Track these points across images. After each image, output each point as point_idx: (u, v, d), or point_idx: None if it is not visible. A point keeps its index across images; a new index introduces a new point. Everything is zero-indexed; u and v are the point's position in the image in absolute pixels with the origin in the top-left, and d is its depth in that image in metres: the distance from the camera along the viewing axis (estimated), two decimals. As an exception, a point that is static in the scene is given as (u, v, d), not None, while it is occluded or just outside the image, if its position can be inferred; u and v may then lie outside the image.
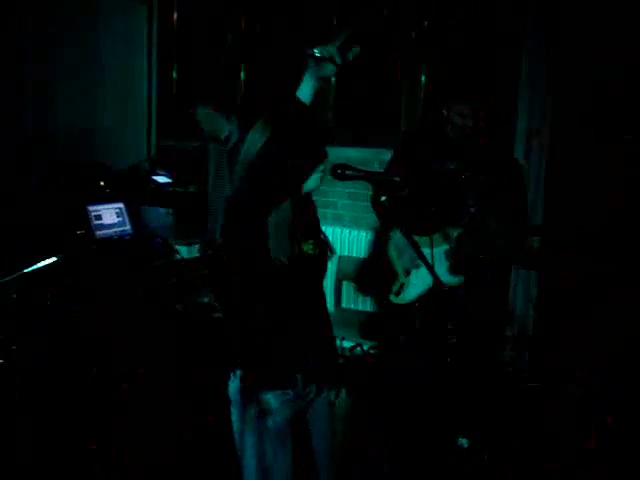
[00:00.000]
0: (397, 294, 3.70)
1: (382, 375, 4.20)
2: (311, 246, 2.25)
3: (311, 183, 2.21)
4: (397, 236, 3.68)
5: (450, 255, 3.59)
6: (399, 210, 2.18)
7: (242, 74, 5.58)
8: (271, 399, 2.24)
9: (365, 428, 3.86)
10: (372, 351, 4.51)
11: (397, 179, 2.23)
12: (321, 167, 2.19)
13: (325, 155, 2.21)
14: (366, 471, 3.52)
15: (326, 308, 2.42)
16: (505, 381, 4.13)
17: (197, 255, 4.25)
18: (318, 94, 2.21)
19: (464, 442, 3.68)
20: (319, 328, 2.34)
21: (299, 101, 2.16)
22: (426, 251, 3.58)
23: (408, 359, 3.76)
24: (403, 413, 3.76)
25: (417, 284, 3.64)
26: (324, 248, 2.34)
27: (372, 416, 3.92)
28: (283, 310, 2.23)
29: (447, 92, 3.66)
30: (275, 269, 2.14)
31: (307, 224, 2.28)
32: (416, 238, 3.65)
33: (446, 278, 3.55)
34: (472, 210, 3.57)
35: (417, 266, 3.61)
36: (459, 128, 3.59)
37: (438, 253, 3.58)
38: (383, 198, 2.17)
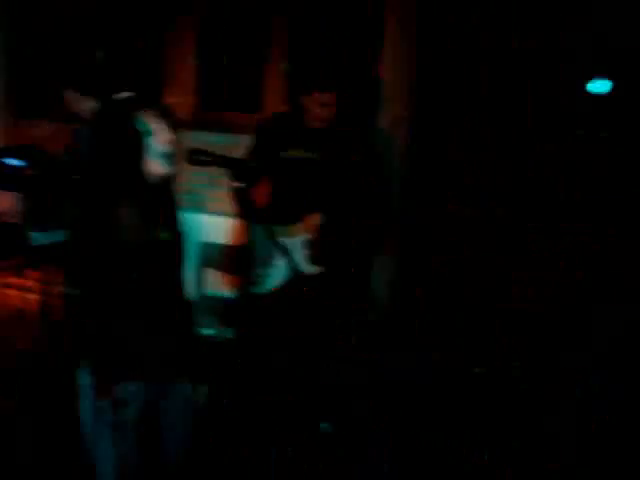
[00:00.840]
0: (257, 284, 3.68)
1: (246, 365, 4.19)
2: (165, 233, 2.21)
3: (156, 168, 2.15)
4: (253, 225, 3.65)
5: (308, 244, 3.61)
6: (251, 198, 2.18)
7: (102, 55, 5.39)
8: (119, 391, 2.18)
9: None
10: (234, 340, 4.48)
11: (253, 164, 2.22)
12: (163, 149, 2.13)
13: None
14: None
15: (182, 297, 2.39)
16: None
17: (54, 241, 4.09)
18: None
19: (326, 426, 3.73)
20: (170, 317, 2.30)
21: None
22: (285, 241, 3.62)
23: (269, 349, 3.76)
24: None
25: (276, 274, 3.63)
26: (178, 235, 2.30)
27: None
28: (131, 298, 2.17)
29: (306, 80, 3.64)
30: (123, 255, 2.09)
31: (162, 210, 2.23)
32: (275, 228, 3.68)
33: (304, 267, 3.57)
34: (330, 198, 3.56)
35: (274, 256, 3.60)
36: (316, 116, 3.56)
37: (296, 242, 3.59)
38: (236, 184, 2.16)
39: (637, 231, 4.01)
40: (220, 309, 4.58)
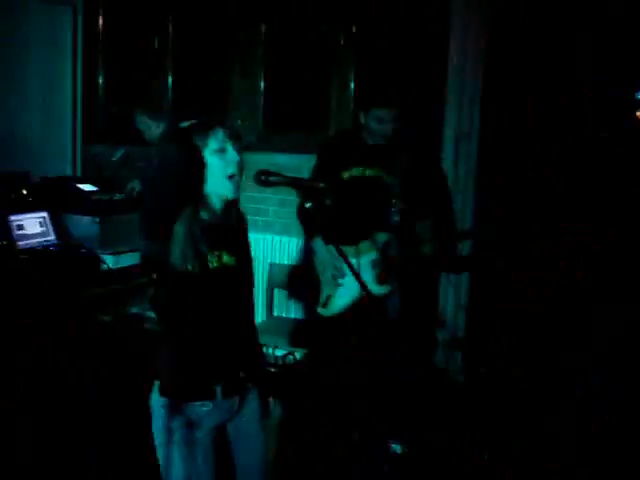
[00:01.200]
0: (324, 305, 3.66)
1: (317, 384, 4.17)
2: (228, 256, 2.21)
3: (222, 190, 2.16)
4: (320, 245, 3.63)
5: (376, 264, 3.56)
6: (324, 218, 2.17)
7: (169, 78, 5.50)
8: (191, 411, 2.19)
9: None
10: (305, 360, 4.47)
11: (322, 185, 2.20)
12: (229, 171, 2.14)
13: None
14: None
15: (251, 318, 2.39)
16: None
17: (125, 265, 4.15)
18: None
19: (397, 448, 3.68)
20: (240, 338, 2.29)
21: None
22: (352, 261, 3.58)
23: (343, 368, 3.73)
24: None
25: (343, 295, 3.60)
26: (243, 258, 2.29)
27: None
28: (201, 320, 2.18)
29: (366, 96, 3.64)
30: (187, 279, 2.10)
31: (226, 232, 2.23)
32: (342, 247, 3.65)
33: (372, 287, 3.52)
34: (395, 217, 3.54)
35: (342, 276, 3.57)
36: (375, 133, 3.56)
37: (364, 262, 3.55)
38: (308, 205, 2.14)
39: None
40: (289, 329, 4.58)
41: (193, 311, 2.17)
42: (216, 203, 2.18)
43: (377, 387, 3.63)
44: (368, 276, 3.53)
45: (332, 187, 3.58)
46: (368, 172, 3.62)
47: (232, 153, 2.14)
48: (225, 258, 2.19)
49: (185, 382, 2.21)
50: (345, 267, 3.59)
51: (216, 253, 2.16)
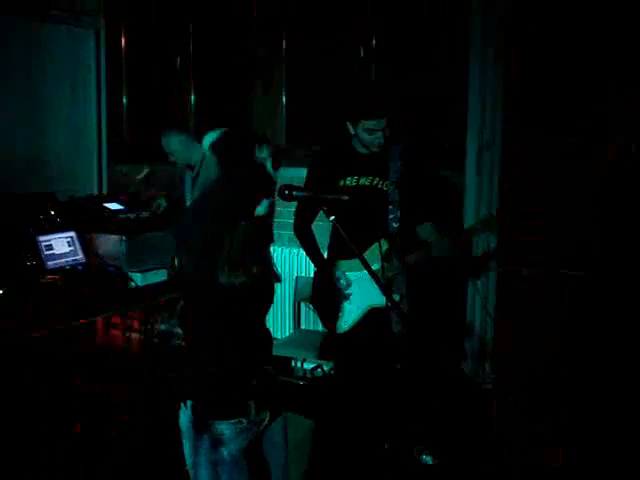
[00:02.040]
0: (333, 322, 3.62)
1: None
2: (257, 270, 2.22)
3: (261, 209, 2.17)
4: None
5: (380, 274, 3.50)
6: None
7: (192, 97, 5.56)
8: (224, 429, 2.19)
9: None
10: (333, 372, 4.48)
11: (346, 198, 2.21)
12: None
13: (270, 190, 2.17)
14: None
15: (269, 334, 2.40)
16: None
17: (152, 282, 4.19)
18: None
19: (428, 459, 3.66)
20: (264, 352, 2.30)
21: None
22: (356, 274, 3.55)
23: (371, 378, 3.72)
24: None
25: (351, 310, 3.56)
26: (267, 274, 2.30)
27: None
28: (232, 337, 2.19)
29: (354, 107, 3.59)
30: (222, 298, 2.11)
31: (255, 250, 2.25)
32: (345, 262, 3.62)
33: (379, 299, 3.40)
34: (394, 224, 3.52)
35: (349, 293, 3.54)
36: (367, 144, 3.51)
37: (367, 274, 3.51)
38: (332, 218, 2.15)
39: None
40: (317, 342, 4.58)
41: (226, 326, 2.18)
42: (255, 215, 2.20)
43: (406, 397, 3.61)
44: (373, 288, 3.50)
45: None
46: (362, 181, 3.59)
47: (271, 170, 2.18)
48: (255, 271, 2.21)
49: (220, 399, 2.20)
50: (351, 280, 3.58)
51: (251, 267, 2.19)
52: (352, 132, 3.55)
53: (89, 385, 3.62)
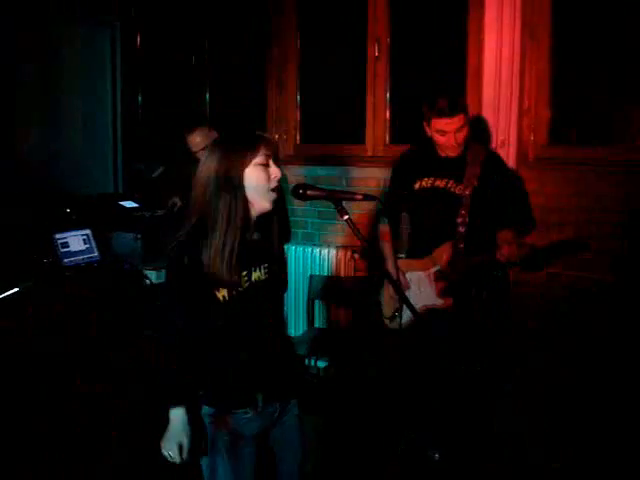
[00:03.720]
0: (392, 319, 3.63)
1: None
2: (262, 270, 2.24)
3: (264, 202, 2.18)
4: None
5: (439, 276, 3.53)
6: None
7: (207, 95, 5.57)
8: (232, 419, 2.23)
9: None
10: (344, 370, 4.49)
11: (361, 197, 2.21)
12: (273, 185, 2.17)
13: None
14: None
15: (284, 327, 2.42)
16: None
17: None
18: None
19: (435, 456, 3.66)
20: (275, 346, 2.32)
21: None
22: (418, 273, 3.56)
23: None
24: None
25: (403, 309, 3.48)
26: (276, 269, 2.32)
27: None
28: (236, 331, 2.22)
29: (426, 106, 3.44)
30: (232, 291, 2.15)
31: (259, 246, 2.26)
32: (410, 259, 3.63)
33: (434, 300, 3.49)
34: (460, 229, 3.46)
35: (405, 290, 3.52)
36: (440, 146, 3.46)
37: (429, 274, 3.52)
38: (346, 217, 2.15)
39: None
40: (330, 341, 4.59)
41: (224, 327, 2.21)
42: (252, 212, 2.20)
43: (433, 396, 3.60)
44: (430, 288, 3.53)
45: (403, 198, 3.60)
46: (438, 183, 3.54)
47: (273, 167, 2.18)
48: (255, 274, 2.23)
49: (227, 391, 2.24)
50: (410, 280, 3.58)
51: (249, 270, 2.21)
52: (429, 134, 3.46)
53: (89, 385, 3.64)
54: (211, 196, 2.14)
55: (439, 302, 3.50)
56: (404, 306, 3.47)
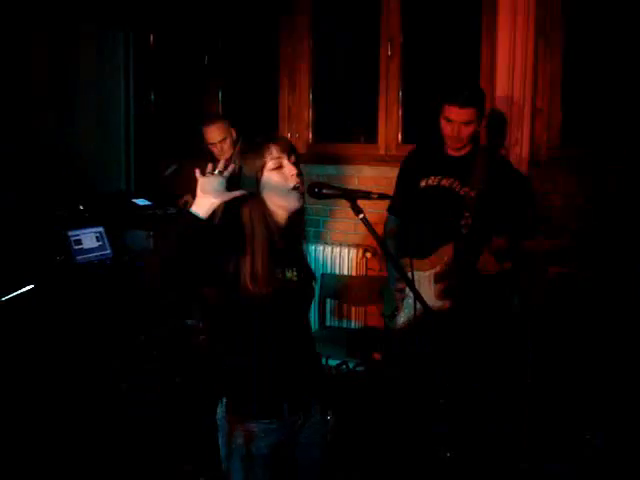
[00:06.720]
0: (391, 318, 3.62)
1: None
2: (293, 273, 2.24)
3: (286, 202, 2.17)
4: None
5: (438, 278, 3.51)
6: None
7: (220, 95, 5.59)
8: (255, 427, 2.19)
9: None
10: (358, 369, 4.48)
11: (375, 196, 2.20)
12: (291, 185, 2.17)
13: None
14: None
15: (310, 332, 2.40)
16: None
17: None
18: None
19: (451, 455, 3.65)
20: (303, 353, 2.31)
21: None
22: (418, 274, 3.54)
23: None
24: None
25: (408, 306, 3.51)
26: (307, 274, 2.31)
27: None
28: (265, 339, 2.19)
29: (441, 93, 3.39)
30: (253, 297, 2.12)
31: (289, 249, 2.25)
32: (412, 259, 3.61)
33: (432, 302, 3.40)
34: (463, 230, 3.42)
35: (405, 290, 3.50)
36: (446, 136, 3.39)
37: (426, 275, 3.50)
38: (361, 215, 2.15)
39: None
40: (342, 339, 4.59)
41: (257, 329, 2.18)
42: (281, 216, 2.20)
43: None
44: (429, 290, 3.50)
45: (405, 197, 3.57)
46: (444, 182, 3.49)
47: (289, 166, 2.18)
48: (288, 274, 2.21)
49: (255, 401, 2.20)
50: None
51: (282, 270, 2.19)
52: (440, 124, 3.39)
53: (90, 385, 3.65)
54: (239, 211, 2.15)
55: (437, 304, 3.44)
56: (402, 306, 3.52)
